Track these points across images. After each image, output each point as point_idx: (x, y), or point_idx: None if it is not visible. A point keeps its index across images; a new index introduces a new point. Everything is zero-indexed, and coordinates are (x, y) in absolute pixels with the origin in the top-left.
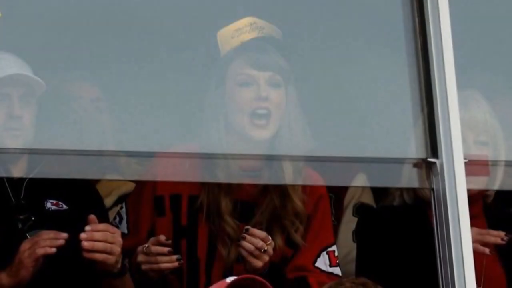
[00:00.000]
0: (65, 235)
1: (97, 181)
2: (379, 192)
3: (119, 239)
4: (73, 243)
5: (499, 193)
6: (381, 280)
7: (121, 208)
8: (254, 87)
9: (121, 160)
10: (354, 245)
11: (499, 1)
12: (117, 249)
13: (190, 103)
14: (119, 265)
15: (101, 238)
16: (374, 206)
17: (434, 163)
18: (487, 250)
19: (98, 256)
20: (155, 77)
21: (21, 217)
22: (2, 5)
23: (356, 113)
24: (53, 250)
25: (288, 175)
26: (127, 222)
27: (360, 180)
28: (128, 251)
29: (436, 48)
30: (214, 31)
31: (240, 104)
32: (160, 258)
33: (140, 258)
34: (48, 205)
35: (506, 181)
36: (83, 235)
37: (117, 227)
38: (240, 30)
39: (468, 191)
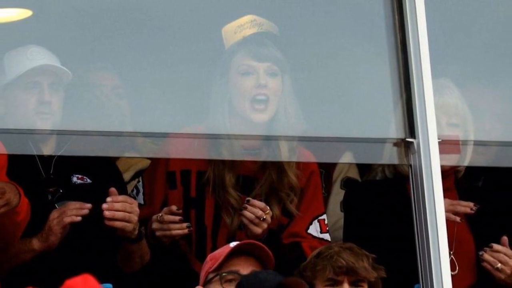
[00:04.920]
0: (89, 205)
1: (117, 158)
2: (363, 168)
3: (136, 209)
4: (96, 212)
5: (469, 169)
6: (365, 244)
7: (138, 182)
8: (254, 76)
9: (138, 140)
10: (342, 214)
11: (469, 1)
12: (135, 218)
13: (198, 90)
14: (136, 232)
15: (120, 208)
16: (359, 180)
17: (412, 142)
18: (458, 219)
19: (118, 224)
20: (168, 67)
21: (51, 190)
22: (34, 4)
23: (343, 99)
24: (79, 218)
25: (284, 153)
26: (143, 194)
27: (347, 158)
28: (144, 220)
29: (414, 42)
30: (219, 27)
31: (242, 91)
32: (172, 225)
33: (155, 225)
34: (74, 179)
35: (474, 159)
36: (104, 206)
37: (135, 198)
38: (242, 26)
39: (442, 167)
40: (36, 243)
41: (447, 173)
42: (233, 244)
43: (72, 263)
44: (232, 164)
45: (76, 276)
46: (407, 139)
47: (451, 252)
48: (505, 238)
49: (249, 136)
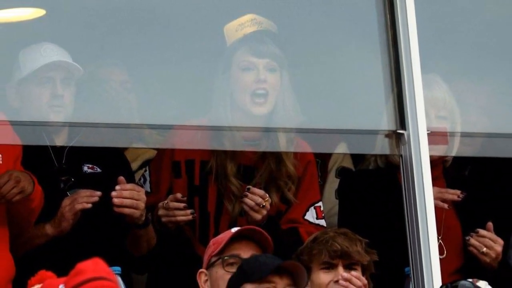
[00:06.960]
0: (99, 193)
1: (125, 149)
2: (357, 158)
3: (143, 197)
4: (106, 200)
5: (456, 159)
6: (358, 229)
7: (145, 171)
8: (254, 71)
9: (145, 131)
10: (337, 202)
11: (456, 1)
12: (142, 205)
13: (202, 85)
14: (143, 218)
15: (128, 196)
16: (353, 169)
17: (403, 134)
18: (446, 205)
19: (126, 210)
20: (173, 63)
21: (63, 178)
22: (47, 4)
23: (338, 93)
24: (89, 205)
25: (282, 144)
26: (150, 182)
27: (341, 148)
28: (151, 207)
29: (404, 39)
30: (221, 26)
31: (243, 86)
32: (177, 212)
33: (161, 212)
34: (85, 168)
35: (461, 149)
36: (113, 193)
37: (142, 186)
38: (243, 25)
39: (431, 157)
40: (49, 229)
41: (435, 162)
42: (234, 229)
43: (83, 247)
44: (233, 154)
45: (87, 259)
46: (398, 131)
47: (440, 237)
48: (490, 224)
49: (250, 128)
